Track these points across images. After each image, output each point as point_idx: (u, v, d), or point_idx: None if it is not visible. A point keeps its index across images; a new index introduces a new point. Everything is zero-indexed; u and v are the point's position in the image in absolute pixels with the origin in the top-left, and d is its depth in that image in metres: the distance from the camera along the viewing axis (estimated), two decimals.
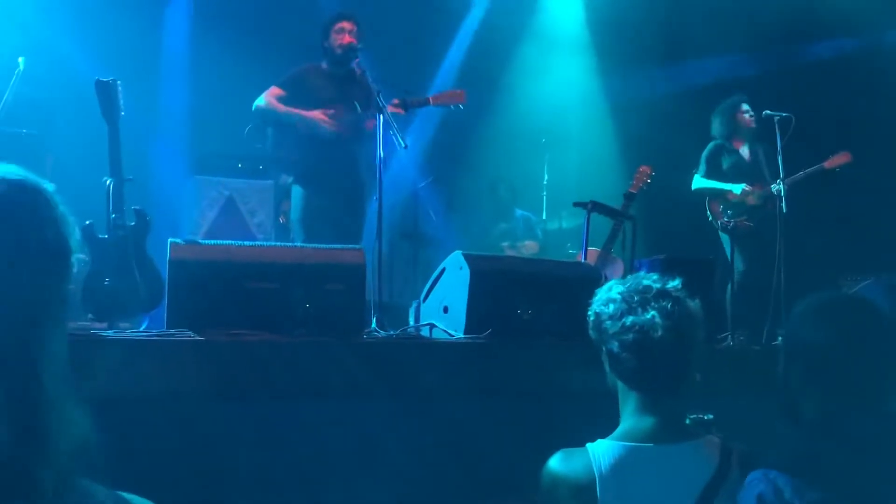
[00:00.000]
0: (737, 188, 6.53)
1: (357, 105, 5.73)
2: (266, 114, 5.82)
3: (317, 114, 5.69)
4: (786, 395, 2.09)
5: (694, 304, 2.14)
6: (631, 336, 2.08)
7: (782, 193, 5.81)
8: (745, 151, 6.72)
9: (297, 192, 5.89)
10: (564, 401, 3.69)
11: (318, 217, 5.79)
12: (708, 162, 6.76)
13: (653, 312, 2.07)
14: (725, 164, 6.73)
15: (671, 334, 2.06)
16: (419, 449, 3.51)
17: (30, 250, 1.20)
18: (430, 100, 5.79)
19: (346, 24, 5.79)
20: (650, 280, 2.14)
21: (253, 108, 5.82)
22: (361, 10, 6.18)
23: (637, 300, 2.10)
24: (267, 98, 5.76)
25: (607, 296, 2.16)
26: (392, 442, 3.47)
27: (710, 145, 6.80)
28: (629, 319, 2.09)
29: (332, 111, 5.69)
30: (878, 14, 7.32)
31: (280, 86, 5.80)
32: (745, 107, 6.71)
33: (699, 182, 6.74)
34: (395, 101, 5.52)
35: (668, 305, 2.08)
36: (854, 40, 7.69)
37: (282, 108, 5.73)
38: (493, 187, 8.38)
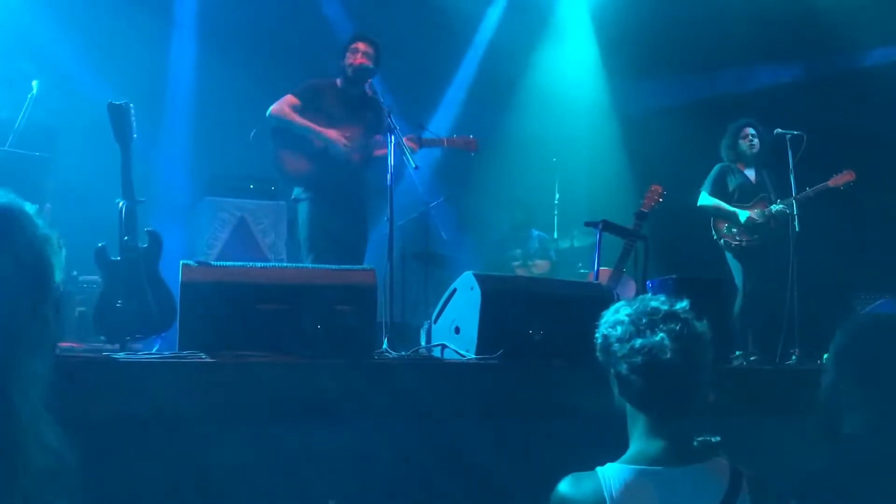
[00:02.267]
0: (743, 215, 6.63)
1: (365, 129, 5.79)
2: (281, 121, 5.81)
3: (334, 133, 5.72)
4: (829, 411, 2.08)
5: (702, 326, 2.13)
6: (640, 359, 2.07)
7: (795, 212, 5.80)
8: (750, 173, 6.80)
9: (302, 209, 5.93)
10: (576, 422, 3.67)
11: (323, 232, 5.82)
12: (714, 182, 6.88)
13: (661, 335, 2.06)
14: (731, 185, 6.84)
15: (680, 356, 2.05)
16: (430, 470, 3.49)
17: (4, 274, 1.18)
18: (445, 141, 5.89)
19: (360, 45, 5.84)
20: (658, 302, 2.13)
21: (267, 114, 5.84)
22: (371, 29, 6.22)
23: (645, 322, 2.09)
24: (282, 106, 5.79)
25: (615, 318, 2.15)
26: (403, 463, 3.46)
27: (717, 166, 6.93)
28: (638, 342, 2.08)
29: (348, 133, 5.71)
30: (886, 28, 7.32)
31: (296, 95, 5.83)
32: (749, 131, 6.84)
33: (705, 199, 6.84)
34: (412, 136, 5.60)
35: (677, 327, 2.07)
36: (863, 53, 7.67)
37: (298, 119, 5.75)
38: (510, 207, 8.38)
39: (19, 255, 1.22)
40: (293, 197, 6.06)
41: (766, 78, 8.20)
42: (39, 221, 1.29)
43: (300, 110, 5.78)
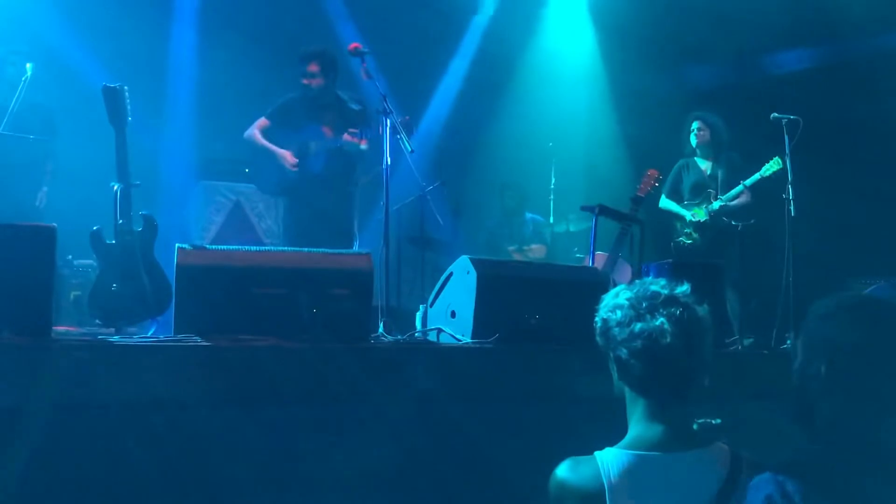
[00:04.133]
0: (687, 215, 6.89)
1: (333, 129, 6.04)
2: (249, 144, 6.19)
3: (284, 154, 6.02)
4: (801, 397, 2.05)
5: (702, 310, 2.11)
6: (640, 343, 2.06)
7: (790, 196, 5.80)
8: (706, 167, 6.90)
9: (281, 209, 6.23)
10: (572, 406, 3.67)
11: (300, 235, 5.93)
12: (670, 182, 7.09)
13: (661, 319, 2.05)
14: (686, 182, 7.04)
15: (680, 341, 2.04)
16: (426, 454, 3.50)
17: None
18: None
19: (312, 68, 6.04)
20: (658, 286, 2.12)
21: (244, 137, 6.18)
22: (367, 16, 6.21)
23: (645, 306, 2.08)
24: (252, 130, 6.14)
25: (615, 302, 2.14)
26: (398, 447, 3.46)
27: (676, 165, 7.15)
28: (637, 326, 2.07)
29: (293, 161, 6.01)
30: (883, 16, 7.30)
31: (267, 117, 6.16)
32: (694, 125, 7.02)
33: (662, 201, 7.07)
34: (353, 130, 5.92)
35: (677, 312, 2.06)
36: (859, 43, 7.65)
37: (260, 141, 6.09)
38: (500, 193, 8.37)
39: None
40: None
41: (766, 65, 8.19)
42: None
43: (272, 129, 6.12)
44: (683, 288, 2.12)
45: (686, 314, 2.07)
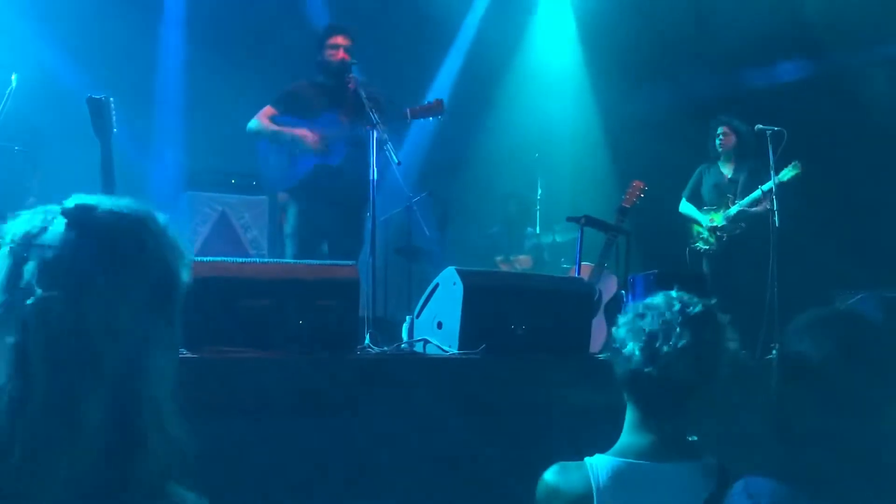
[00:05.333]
0: (706, 219, 6.86)
1: (352, 116, 5.68)
2: (258, 134, 5.84)
3: (302, 130, 5.66)
4: (779, 410, 2.07)
5: (710, 333, 2.10)
6: (638, 353, 2.07)
7: (775, 207, 5.84)
8: (728, 171, 6.87)
9: (291, 206, 5.87)
10: (559, 416, 3.67)
11: (313, 233, 5.77)
12: (691, 186, 7.11)
13: (635, 328, 2.07)
14: (706, 185, 7.02)
15: (644, 356, 2.05)
16: (413, 466, 3.49)
17: (134, 285, 1.29)
18: (408, 113, 5.70)
19: (339, 39, 5.78)
20: (670, 303, 2.10)
21: (247, 130, 5.83)
22: (354, 23, 6.20)
23: (647, 321, 2.08)
24: (259, 118, 5.78)
25: (633, 309, 2.15)
26: (386, 459, 3.46)
27: (697, 168, 7.07)
28: (622, 332, 2.09)
29: (317, 136, 5.64)
30: (866, 29, 7.36)
31: (273, 104, 5.82)
32: (719, 129, 6.98)
33: (682, 205, 7.09)
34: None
35: (653, 327, 2.06)
36: (844, 55, 7.71)
37: (271, 127, 5.73)
38: (504, 201, 8.38)
39: (147, 268, 1.33)
40: (280, 198, 6.02)
41: (751, 77, 8.24)
42: (169, 228, 1.39)
43: (281, 117, 5.77)
44: (697, 308, 2.09)
45: (693, 330, 2.05)
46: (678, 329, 2.06)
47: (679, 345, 2.04)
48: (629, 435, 2.13)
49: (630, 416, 2.14)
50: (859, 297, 5.53)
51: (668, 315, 2.08)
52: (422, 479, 3.49)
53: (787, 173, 6.36)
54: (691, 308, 2.09)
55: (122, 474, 1.25)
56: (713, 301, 2.14)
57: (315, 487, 3.36)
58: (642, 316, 2.09)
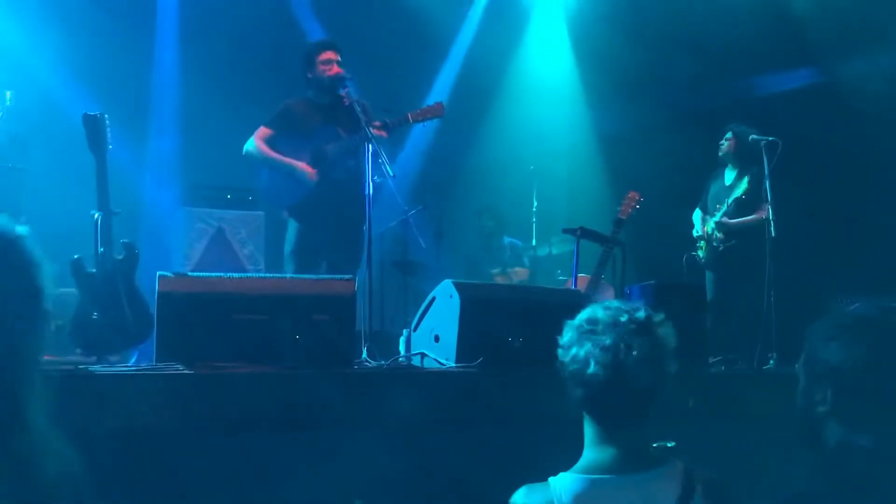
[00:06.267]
0: (698, 226, 6.89)
1: (347, 131, 5.66)
2: (255, 158, 5.80)
3: (305, 167, 5.65)
4: (807, 421, 2.03)
5: (660, 334, 2.07)
6: (574, 367, 2.06)
7: (771, 217, 5.84)
8: (731, 177, 6.86)
9: (292, 225, 5.85)
10: (556, 429, 3.66)
11: (312, 252, 5.77)
12: (703, 193, 7.04)
13: (588, 346, 2.04)
14: (711, 191, 6.99)
15: (609, 370, 2.02)
16: (411, 480, 3.48)
17: (4, 296, 1.30)
18: (409, 116, 5.71)
19: (331, 55, 5.75)
20: (604, 310, 2.09)
21: (244, 153, 5.81)
22: (349, 39, 6.20)
23: (586, 331, 2.06)
24: (256, 142, 5.75)
25: (570, 322, 2.13)
26: (383, 473, 3.45)
27: (710, 176, 7.07)
28: (573, 351, 2.07)
29: (314, 171, 5.64)
30: (862, 38, 7.39)
31: (268, 125, 5.78)
32: (726, 135, 6.93)
33: (695, 213, 7.01)
34: (377, 123, 5.48)
35: (608, 340, 2.03)
36: (841, 65, 7.74)
37: (269, 154, 5.71)
38: (478, 216, 8.40)
39: (14, 280, 1.34)
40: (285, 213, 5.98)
41: (746, 88, 8.26)
42: (30, 243, 1.39)
43: (276, 138, 5.74)
44: (639, 314, 2.07)
45: (623, 342, 2.02)
46: (636, 337, 2.03)
47: (640, 352, 2.02)
48: (591, 450, 2.09)
49: (590, 431, 2.11)
50: (856, 305, 5.53)
51: (620, 326, 2.05)
52: (419, 495, 3.48)
53: (741, 188, 6.52)
54: (638, 313, 2.07)
55: (8, 498, 1.24)
56: (641, 313, 2.10)
57: (311, 502, 3.35)
58: (592, 332, 2.06)
